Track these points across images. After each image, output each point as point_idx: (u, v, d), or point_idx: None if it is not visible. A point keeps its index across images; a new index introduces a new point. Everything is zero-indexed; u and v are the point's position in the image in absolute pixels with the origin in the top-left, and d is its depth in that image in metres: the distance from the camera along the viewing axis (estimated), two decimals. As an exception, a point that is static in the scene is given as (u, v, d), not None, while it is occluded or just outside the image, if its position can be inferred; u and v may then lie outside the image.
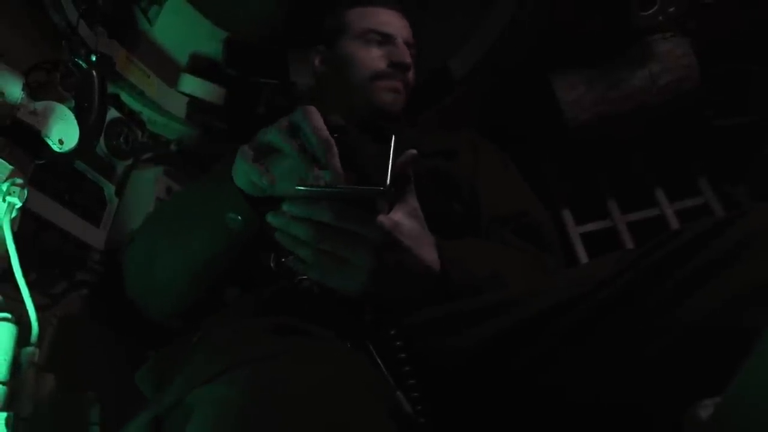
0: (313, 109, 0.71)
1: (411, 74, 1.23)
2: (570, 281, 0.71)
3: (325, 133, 0.68)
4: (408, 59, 1.20)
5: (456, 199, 1.02)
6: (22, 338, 0.85)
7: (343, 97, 1.24)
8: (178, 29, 1.48)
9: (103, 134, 1.24)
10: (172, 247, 0.90)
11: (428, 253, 0.74)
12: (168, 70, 1.46)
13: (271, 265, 0.79)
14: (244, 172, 0.77)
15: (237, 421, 0.47)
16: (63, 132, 0.99)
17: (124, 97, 1.36)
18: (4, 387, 0.80)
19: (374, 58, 1.20)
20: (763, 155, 1.52)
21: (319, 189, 0.66)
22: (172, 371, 0.60)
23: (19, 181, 0.90)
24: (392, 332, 0.71)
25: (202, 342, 0.66)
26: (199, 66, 1.53)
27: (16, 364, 0.83)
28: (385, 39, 1.21)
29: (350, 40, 1.23)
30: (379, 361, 0.66)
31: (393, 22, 1.24)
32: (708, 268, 0.60)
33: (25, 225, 1.03)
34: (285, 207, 0.68)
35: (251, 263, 0.88)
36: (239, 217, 0.79)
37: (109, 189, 1.33)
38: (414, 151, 0.71)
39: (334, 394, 0.51)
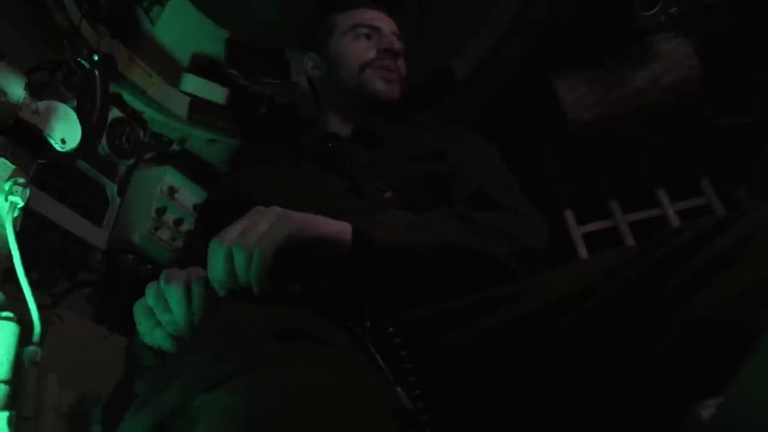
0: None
1: (402, 63, 1.25)
2: (571, 277, 0.71)
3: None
4: (396, 45, 1.22)
5: (447, 200, 1.01)
6: (24, 337, 0.85)
7: (337, 97, 1.25)
8: (181, 29, 1.48)
9: (105, 134, 1.24)
10: None
11: (329, 221, 0.78)
12: (170, 69, 1.46)
13: None
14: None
15: (242, 429, 0.47)
16: (65, 131, 0.99)
17: (127, 97, 1.37)
18: (6, 386, 0.80)
19: (363, 48, 1.22)
20: (764, 155, 1.52)
21: None
22: (169, 370, 0.60)
23: (22, 180, 0.90)
24: (391, 329, 0.71)
25: (200, 343, 0.66)
26: (201, 65, 1.53)
27: (18, 364, 0.83)
28: (372, 31, 1.24)
29: (339, 38, 1.26)
30: (380, 360, 0.66)
31: (379, 18, 1.27)
32: (709, 267, 0.60)
33: (28, 224, 1.03)
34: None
35: None
36: None
37: (111, 188, 1.33)
38: None
39: (337, 401, 0.51)
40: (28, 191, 0.91)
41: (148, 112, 1.42)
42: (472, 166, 1.06)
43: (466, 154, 1.10)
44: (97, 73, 1.09)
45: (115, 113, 1.31)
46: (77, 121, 1.00)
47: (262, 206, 0.76)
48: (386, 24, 1.26)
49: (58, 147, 0.98)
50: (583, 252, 1.56)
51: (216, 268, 0.72)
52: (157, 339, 0.75)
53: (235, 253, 0.70)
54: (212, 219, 1.13)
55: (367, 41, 1.23)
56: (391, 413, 0.57)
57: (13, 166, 0.91)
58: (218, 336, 0.64)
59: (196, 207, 1.42)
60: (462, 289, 0.77)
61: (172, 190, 1.37)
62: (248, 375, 0.52)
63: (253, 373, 0.52)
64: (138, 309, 0.78)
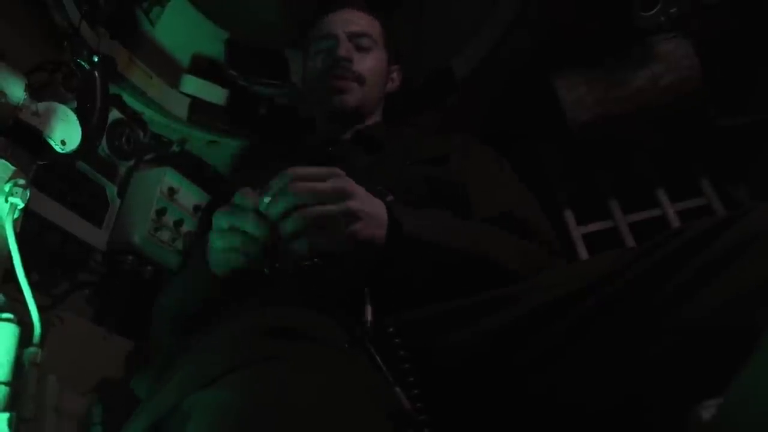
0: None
1: (360, 65, 1.19)
2: (571, 277, 0.71)
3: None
4: (341, 52, 1.17)
5: (448, 205, 1.01)
6: (24, 339, 0.85)
7: (314, 109, 1.28)
8: (180, 30, 1.48)
9: (105, 135, 1.24)
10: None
11: (379, 206, 0.77)
12: (170, 70, 1.46)
13: (264, 270, 0.79)
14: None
15: (235, 426, 0.47)
16: (65, 133, 0.99)
17: (126, 98, 1.37)
18: (7, 388, 0.80)
19: (318, 63, 1.21)
20: (764, 155, 1.52)
21: None
22: (169, 372, 0.60)
23: (22, 181, 0.90)
24: (390, 329, 0.71)
25: (200, 343, 0.66)
26: (201, 67, 1.54)
27: (18, 365, 0.83)
28: (329, 41, 1.21)
29: (307, 55, 1.27)
30: (378, 359, 0.66)
31: (335, 21, 1.23)
32: (710, 267, 0.60)
33: (28, 226, 1.03)
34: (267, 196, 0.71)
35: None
36: None
37: (111, 190, 1.33)
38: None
39: (332, 398, 0.51)
40: (28, 192, 0.91)
41: (148, 113, 1.42)
42: (492, 184, 1.06)
43: (483, 169, 1.09)
44: (96, 74, 1.09)
45: (115, 114, 1.31)
46: (77, 122, 1.00)
47: (360, 190, 0.74)
48: (344, 25, 1.22)
49: (58, 148, 0.98)
50: (583, 252, 1.56)
51: (274, 209, 0.70)
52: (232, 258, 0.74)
53: (310, 222, 0.68)
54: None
55: (323, 54, 1.21)
56: (389, 413, 0.57)
57: (13, 168, 0.91)
58: (216, 336, 0.64)
59: (196, 208, 1.42)
60: (462, 289, 0.77)
61: (172, 191, 1.37)
62: (244, 372, 0.52)
63: (248, 370, 0.52)
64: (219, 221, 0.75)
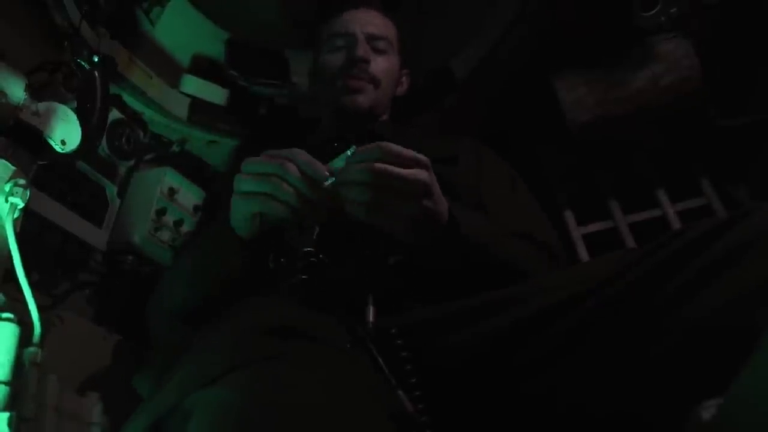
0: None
1: (376, 67, 1.20)
2: (572, 279, 0.71)
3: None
4: (360, 52, 1.17)
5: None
6: (24, 339, 0.85)
7: (322, 107, 1.28)
8: (180, 30, 1.48)
9: (105, 135, 1.25)
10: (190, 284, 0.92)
11: (444, 207, 0.78)
12: (170, 70, 1.46)
13: (270, 265, 0.79)
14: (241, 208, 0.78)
15: (236, 425, 0.47)
16: (65, 133, 0.99)
17: (126, 98, 1.37)
18: (6, 387, 0.80)
19: (334, 60, 1.20)
20: (764, 155, 1.52)
21: None
22: (170, 372, 0.60)
23: (22, 181, 0.91)
24: (393, 331, 0.71)
25: (200, 343, 0.66)
26: (201, 67, 1.54)
27: (18, 365, 0.83)
28: (346, 39, 1.21)
29: (320, 50, 1.25)
30: (380, 361, 0.66)
31: (353, 20, 1.23)
32: (711, 268, 0.60)
33: (28, 225, 1.03)
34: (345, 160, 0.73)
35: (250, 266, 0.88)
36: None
37: (111, 189, 1.33)
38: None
39: (333, 398, 0.51)
40: (28, 192, 0.91)
41: (148, 113, 1.42)
42: (508, 202, 1.06)
43: (497, 181, 1.09)
44: (97, 74, 1.09)
45: (115, 114, 1.32)
46: (77, 122, 1.01)
47: (437, 189, 0.75)
48: (362, 25, 1.22)
49: (58, 148, 0.98)
50: (583, 253, 1.56)
51: (347, 175, 0.71)
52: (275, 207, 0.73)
53: (369, 197, 0.70)
54: (212, 219, 1.13)
55: (339, 52, 1.20)
56: (390, 413, 0.57)
57: (13, 168, 0.91)
58: (217, 336, 0.64)
59: (196, 208, 1.42)
60: (467, 290, 0.77)
61: (172, 191, 1.37)
62: (244, 371, 0.52)
63: (249, 370, 0.52)
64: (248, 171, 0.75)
